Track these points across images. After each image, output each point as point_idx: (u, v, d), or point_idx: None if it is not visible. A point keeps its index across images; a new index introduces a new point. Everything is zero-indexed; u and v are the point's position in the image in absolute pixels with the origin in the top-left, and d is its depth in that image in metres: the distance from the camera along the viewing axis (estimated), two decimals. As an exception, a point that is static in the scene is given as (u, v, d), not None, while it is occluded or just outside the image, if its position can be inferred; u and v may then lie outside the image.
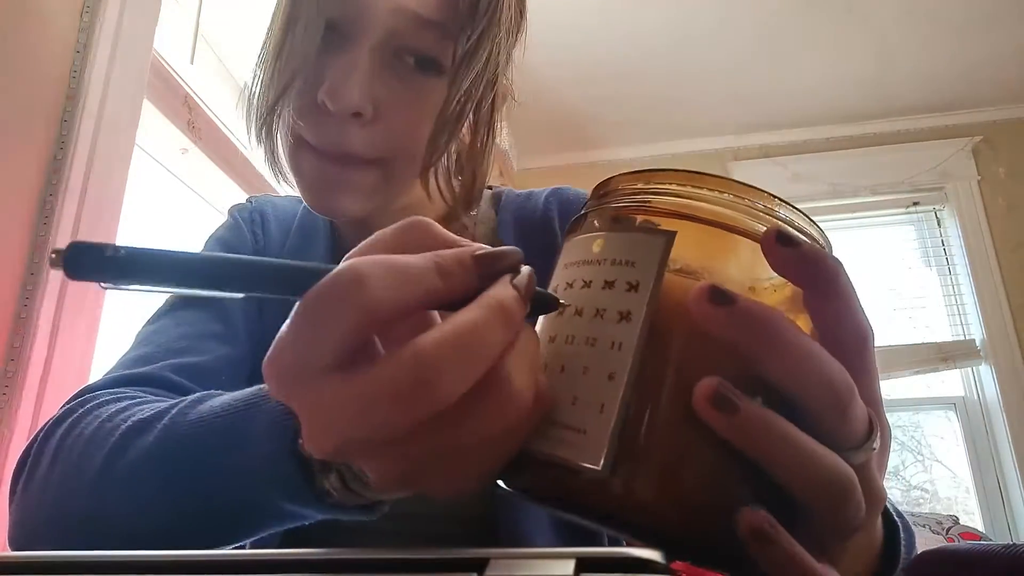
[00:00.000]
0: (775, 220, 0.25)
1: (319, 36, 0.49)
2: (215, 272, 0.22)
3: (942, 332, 2.60)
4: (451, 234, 0.26)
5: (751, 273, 0.25)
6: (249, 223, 0.64)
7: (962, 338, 2.55)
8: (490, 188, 0.69)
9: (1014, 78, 2.55)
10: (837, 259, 0.24)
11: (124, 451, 0.37)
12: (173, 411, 0.38)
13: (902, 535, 0.33)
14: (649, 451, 0.22)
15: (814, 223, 0.27)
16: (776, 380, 0.23)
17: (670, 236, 0.24)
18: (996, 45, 2.39)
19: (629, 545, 0.21)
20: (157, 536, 0.36)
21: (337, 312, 0.22)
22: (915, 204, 2.75)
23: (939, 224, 2.74)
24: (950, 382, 2.60)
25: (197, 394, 0.39)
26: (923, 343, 2.55)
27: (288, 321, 0.23)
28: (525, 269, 0.25)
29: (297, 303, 0.23)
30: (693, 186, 0.25)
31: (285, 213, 0.66)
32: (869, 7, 2.22)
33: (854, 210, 2.77)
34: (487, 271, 0.24)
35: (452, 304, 0.23)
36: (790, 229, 0.24)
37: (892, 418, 2.45)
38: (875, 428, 0.24)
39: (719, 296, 0.22)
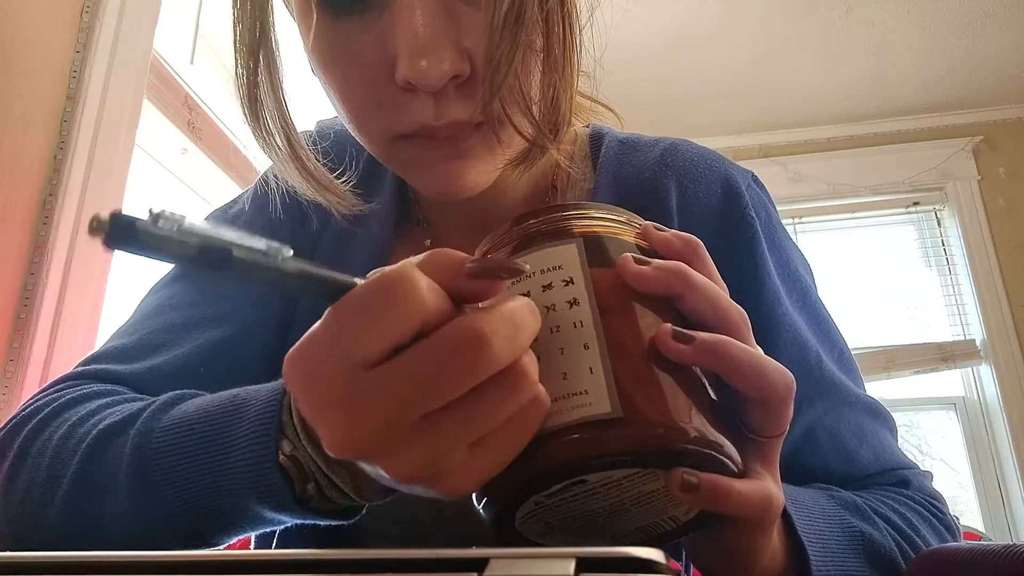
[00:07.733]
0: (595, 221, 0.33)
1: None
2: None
3: (942, 332, 2.60)
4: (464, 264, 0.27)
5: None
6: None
7: (962, 338, 2.55)
8: (586, 127, 0.60)
9: (1014, 78, 2.55)
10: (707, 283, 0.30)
11: (97, 459, 0.37)
12: (145, 414, 0.37)
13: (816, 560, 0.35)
14: (639, 386, 0.27)
15: (625, 211, 0.34)
16: (691, 311, 0.30)
17: (579, 239, 0.31)
18: (996, 45, 2.38)
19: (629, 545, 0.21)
20: (131, 542, 0.36)
21: (397, 306, 0.23)
22: (915, 204, 2.75)
23: (939, 224, 2.74)
24: (950, 382, 2.60)
25: (168, 396, 0.39)
26: (923, 343, 2.55)
27: (325, 320, 0.24)
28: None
29: (337, 303, 0.24)
30: (560, 213, 0.33)
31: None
32: (869, 7, 2.22)
33: (854, 210, 2.77)
34: (483, 276, 0.26)
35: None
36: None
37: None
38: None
39: (641, 261, 0.30)
